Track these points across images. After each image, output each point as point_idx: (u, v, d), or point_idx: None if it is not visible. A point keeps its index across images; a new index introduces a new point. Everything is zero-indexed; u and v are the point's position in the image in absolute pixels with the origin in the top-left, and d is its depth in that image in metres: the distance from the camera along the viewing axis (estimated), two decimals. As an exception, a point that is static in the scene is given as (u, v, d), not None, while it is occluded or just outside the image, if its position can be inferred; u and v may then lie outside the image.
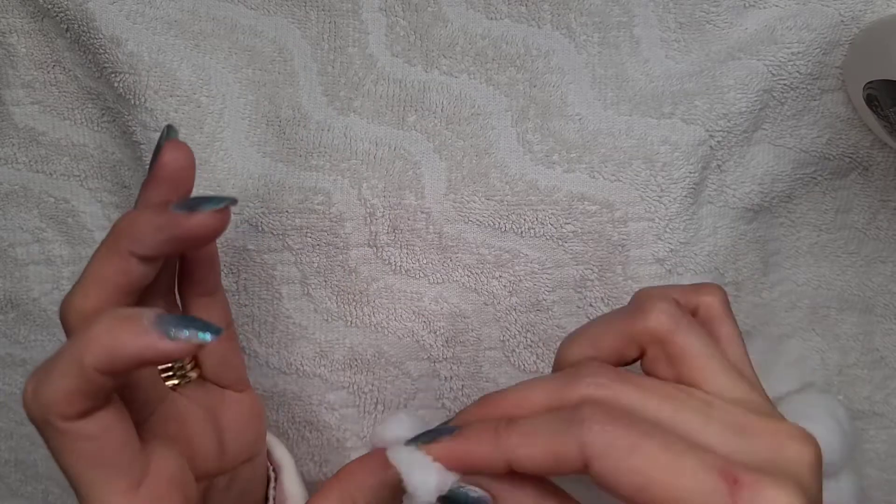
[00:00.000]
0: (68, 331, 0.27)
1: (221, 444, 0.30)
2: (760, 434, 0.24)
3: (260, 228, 0.36)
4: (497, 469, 0.24)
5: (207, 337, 0.24)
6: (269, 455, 0.34)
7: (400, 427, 0.28)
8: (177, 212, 0.26)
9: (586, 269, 0.36)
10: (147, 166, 0.36)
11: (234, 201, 0.27)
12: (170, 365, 0.30)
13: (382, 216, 0.36)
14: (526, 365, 0.37)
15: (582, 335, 0.28)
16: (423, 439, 0.26)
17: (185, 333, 0.24)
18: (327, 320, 0.37)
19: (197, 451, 0.29)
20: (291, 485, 0.33)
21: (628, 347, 0.27)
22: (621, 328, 0.27)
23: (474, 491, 0.25)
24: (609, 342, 0.27)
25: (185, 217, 0.26)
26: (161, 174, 0.27)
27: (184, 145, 0.28)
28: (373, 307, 0.36)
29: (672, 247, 0.35)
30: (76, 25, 0.35)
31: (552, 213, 0.35)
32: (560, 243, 0.36)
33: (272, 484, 0.33)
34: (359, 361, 0.37)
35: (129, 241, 0.26)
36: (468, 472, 0.25)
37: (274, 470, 0.34)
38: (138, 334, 0.23)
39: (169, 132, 0.28)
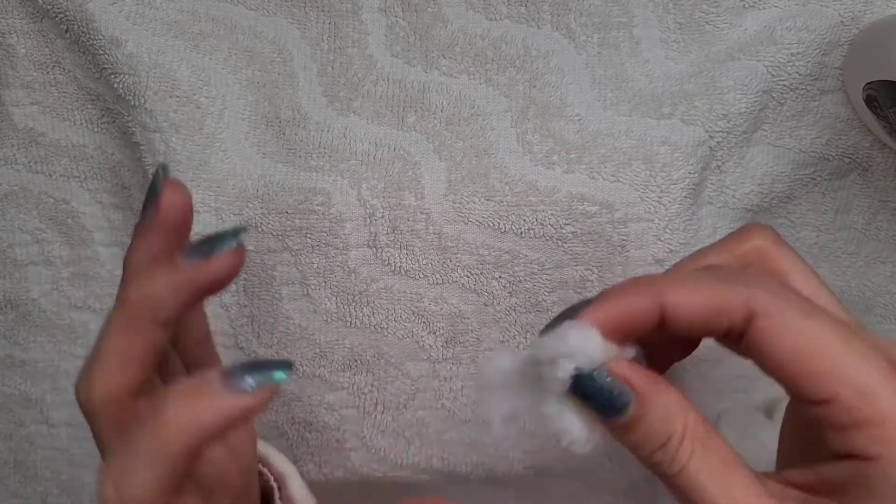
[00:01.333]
0: (93, 416, 0.25)
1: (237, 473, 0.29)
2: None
3: (260, 229, 0.36)
4: (648, 319, 0.23)
5: (283, 375, 0.23)
6: (269, 465, 0.33)
7: (508, 361, 0.24)
8: (193, 263, 0.24)
9: (586, 269, 0.36)
10: (146, 167, 0.36)
11: (244, 231, 0.26)
12: None
13: (382, 217, 0.36)
14: (526, 365, 0.37)
15: (693, 256, 0.27)
16: (568, 314, 0.23)
17: (258, 379, 0.23)
18: (327, 321, 0.37)
19: (227, 486, 0.28)
20: (298, 490, 0.32)
21: (736, 264, 0.26)
22: (728, 248, 0.26)
23: (618, 384, 0.22)
24: (716, 260, 0.26)
25: (205, 265, 0.24)
26: (163, 219, 0.26)
27: (180, 184, 0.26)
28: (372, 308, 0.36)
29: (672, 247, 0.35)
30: (76, 26, 0.35)
31: (552, 214, 0.35)
32: (560, 244, 0.36)
33: (277, 494, 0.32)
34: (358, 362, 0.37)
35: (152, 310, 0.24)
36: (619, 328, 0.23)
37: (276, 480, 0.33)
38: (215, 401, 0.22)
39: (164, 171, 0.26)
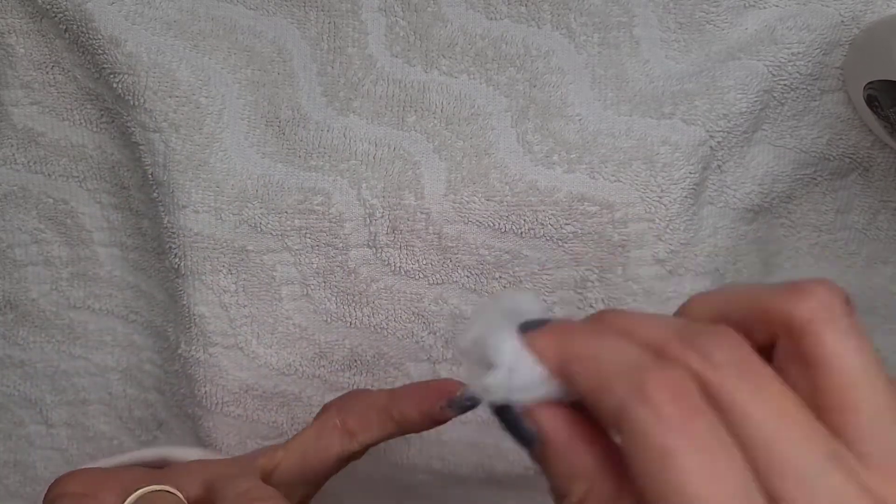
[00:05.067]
0: None
1: None
2: None
3: (259, 229, 0.36)
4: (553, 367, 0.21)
5: None
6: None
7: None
8: None
9: (586, 269, 0.36)
10: (146, 167, 0.36)
11: None
12: None
13: (382, 217, 0.36)
14: (526, 366, 0.37)
15: (718, 292, 0.22)
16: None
17: None
18: (327, 321, 0.37)
19: None
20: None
21: (758, 326, 0.21)
22: (761, 298, 0.21)
23: (529, 422, 0.21)
24: (740, 308, 0.21)
25: None
26: None
27: None
28: (373, 308, 0.36)
29: (672, 247, 0.35)
30: (75, 26, 0.35)
31: (552, 214, 0.35)
32: (560, 244, 0.36)
33: None
34: (359, 362, 0.37)
35: None
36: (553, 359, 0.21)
37: None
38: None
39: None
